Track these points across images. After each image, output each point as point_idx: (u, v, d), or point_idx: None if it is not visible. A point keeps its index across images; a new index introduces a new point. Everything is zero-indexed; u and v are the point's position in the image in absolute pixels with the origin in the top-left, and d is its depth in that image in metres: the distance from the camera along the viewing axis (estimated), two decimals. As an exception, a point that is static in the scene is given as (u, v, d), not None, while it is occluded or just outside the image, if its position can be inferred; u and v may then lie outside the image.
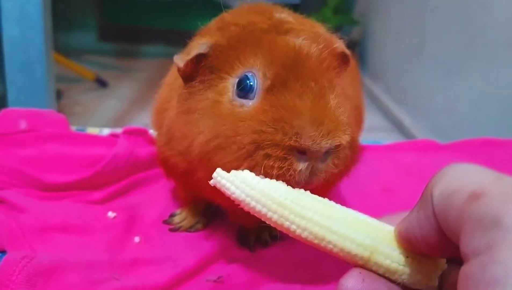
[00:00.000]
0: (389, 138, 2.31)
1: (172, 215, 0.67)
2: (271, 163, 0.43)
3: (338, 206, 0.39)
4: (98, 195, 0.69)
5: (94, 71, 2.92)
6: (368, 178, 0.82)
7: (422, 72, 2.38)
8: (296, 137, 0.43)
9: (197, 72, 0.50)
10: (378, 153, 0.92)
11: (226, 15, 0.54)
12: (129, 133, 0.77)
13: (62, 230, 0.60)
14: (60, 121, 0.86)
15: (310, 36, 0.50)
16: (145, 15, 3.54)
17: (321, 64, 0.48)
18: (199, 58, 0.50)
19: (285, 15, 0.53)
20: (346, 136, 0.45)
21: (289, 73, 0.46)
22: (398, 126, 2.53)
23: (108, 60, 3.48)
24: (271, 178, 0.43)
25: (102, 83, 2.90)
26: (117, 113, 2.52)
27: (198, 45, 0.50)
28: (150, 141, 0.78)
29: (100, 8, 3.63)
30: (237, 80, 0.48)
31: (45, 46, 1.50)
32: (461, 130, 1.92)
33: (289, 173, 0.43)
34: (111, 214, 0.65)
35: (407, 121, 2.46)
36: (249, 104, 0.47)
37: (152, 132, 0.79)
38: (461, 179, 0.33)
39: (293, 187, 0.43)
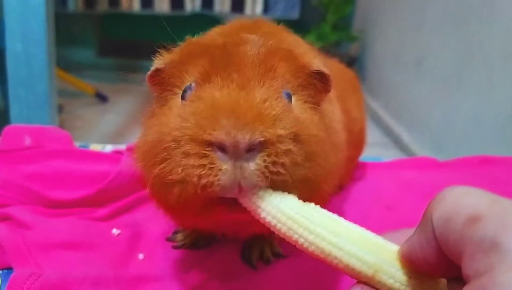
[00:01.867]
0: (388, 153, 2.32)
1: (175, 233, 0.67)
2: (191, 162, 0.40)
3: (347, 223, 0.40)
4: (102, 212, 0.70)
5: (94, 86, 2.94)
6: (369, 195, 0.82)
7: (421, 88, 2.40)
8: (211, 130, 0.39)
9: (156, 89, 0.52)
10: (379, 170, 0.93)
11: (193, 37, 0.54)
12: (132, 150, 0.78)
13: (67, 247, 0.61)
14: (64, 137, 0.87)
15: (264, 45, 0.47)
16: (145, 30, 3.56)
17: (253, 57, 0.45)
18: (157, 74, 0.51)
19: (254, 37, 0.50)
20: (272, 130, 0.40)
21: (214, 68, 0.44)
22: (397, 142, 2.54)
23: (108, 75, 3.50)
24: (191, 180, 0.40)
25: (102, 98, 2.91)
26: (117, 128, 2.53)
27: (156, 61, 0.51)
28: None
29: (100, 23, 3.66)
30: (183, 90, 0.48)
31: (48, 62, 1.51)
32: (460, 146, 1.93)
33: (214, 173, 0.39)
34: (115, 231, 0.66)
35: (405, 136, 2.47)
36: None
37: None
38: (459, 202, 0.34)
39: (225, 194, 0.40)
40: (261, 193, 0.40)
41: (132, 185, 0.74)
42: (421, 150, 2.23)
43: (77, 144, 0.89)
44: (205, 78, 0.44)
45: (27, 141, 0.82)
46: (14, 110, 1.53)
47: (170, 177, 0.41)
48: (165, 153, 0.42)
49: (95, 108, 2.85)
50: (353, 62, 3.24)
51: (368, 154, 0.96)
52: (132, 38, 3.70)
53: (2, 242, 0.59)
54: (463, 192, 0.35)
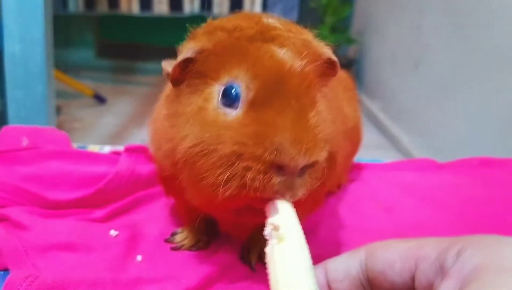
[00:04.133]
0: (386, 155, 2.32)
1: (173, 234, 0.67)
2: (252, 176, 0.45)
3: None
4: (100, 213, 0.69)
5: (93, 88, 2.94)
6: (368, 197, 0.82)
7: (419, 90, 2.40)
8: (276, 153, 0.44)
9: (183, 76, 0.51)
10: (377, 171, 0.93)
11: (214, 21, 0.55)
12: (130, 151, 0.77)
13: (64, 249, 0.60)
14: (62, 138, 0.87)
15: (296, 43, 0.50)
16: (143, 32, 3.57)
17: (303, 80, 0.48)
18: (186, 63, 0.51)
19: (273, 20, 0.53)
20: (323, 152, 0.47)
21: (271, 90, 0.47)
22: (395, 144, 2.55)
23: (106, 77, 3.50)
24: (248, 189, 0.45)
25: (100, 99, 2.91)
26: (115, 129, 2.53)
27: (185, 50, 0.51)
28: (152, 159, 0.78)
29: (98, 25, 3.66)
30: (222, 88, 0.48)
31: (46, 63, 1.51)
32: (458, 148, 1.93)
33: (269, 184, 0.45)
34: (113, 232, 0.65)
35: (404, 138, 2.48)
36: (233, 113, 0.47)
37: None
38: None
39: (272, 197, 0.46)
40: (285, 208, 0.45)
41: (130, 186, 0.74)
42: (419, 152, 2.23)
43: (75, 145, 0.89)
44: (263, 98, 0.47)
45: (25, 142, 0.81)
46: (11, 112, 1.52)
47: (230, 183, 0.46)
48: (223, 161, 0.46)
49: (94, 109, 2.85)
50: (351, 64, 3.25)
51: (366, 156, 0.96)
52: (131, 40, 3.70)
53: (-1, 244, 0.59)
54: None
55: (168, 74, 0.52)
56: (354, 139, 0.82)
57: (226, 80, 0.48)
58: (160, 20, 3.23)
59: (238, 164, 0.45)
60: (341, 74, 0.85)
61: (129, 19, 3.26)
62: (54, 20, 1.65)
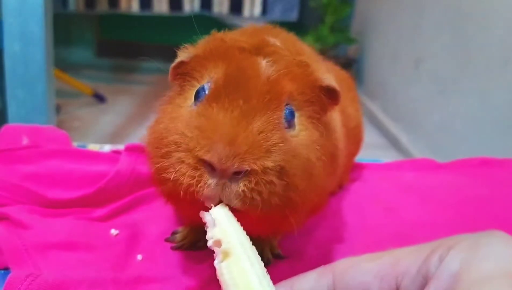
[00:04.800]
0: (385, 155, 2.32)
1: (174, 233, 0.67)
2: (183, 170, 0.44)
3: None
4: (100, 212, 0.69)
5: (92, 86, 2.93)
6: (368, 196, 0.82)
7: (419, 90, 2.40)
8: (205, 150, 0.43)
9: (177, 79, 0.54)
10: (377, 171, 0.93)
11: (218, 32, 0.56)
12: (131, 150, 0.77)
13: (65, 248, 0.60)
14: (62, 137, 0.87)
15: (288, 62, 0.50)
16: (143, 31, 3.56)
17: (264, 86, 0.47)
18: (180, 66, 0.53)
19: (275, 40, 0.53)
20: (261, 162, 0.43)
21: (227, 88, 0.47)
22: (395, 144, 2.55)
23: (106, 76, 3.50)
24: (181, 184, 0.44)
25: (100, 98, 2.91)
26: (115, 128, 2.53)
27: (182, 54, 0.53)
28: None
29: (98, 24, 3.66)
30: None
31: (46, 62, 1.51)
32: (458, 148, 1.93)
33: (199, 185, 0.43)
34: (113, 231, 0.65)
35: (403, 138, 2.48)
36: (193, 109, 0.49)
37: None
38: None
39: (207, 203, 0.44)
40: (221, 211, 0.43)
41: (130, 185, 0.73)
42: (419, 152, 2.23)
43: (75, 144, 0.89)
44: (216, 95, 0.47)
45: (25, 140, 0.81)
46: (11, 110, 1.53)
47: (163, 175, 0.46)
48: (165, 150, 0.46)
49: (93, 108, 2.85)
50: (351, 64, 3.24)
51: (366, 156, 0.96)
52: (130, 39, 3.70)
53: (0, 242, 0.59)
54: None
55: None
56: (356, 139, 0.83)
57: (206, 81, 0.50)
58: (160, 19, 3.23)
59: (174, 155, 0.45)
60: (343, 74, 0.86)
61: (129, 18, 3.26)
62: (54, 18, 1.65)
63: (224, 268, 0.38)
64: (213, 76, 0.49)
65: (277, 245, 0.65)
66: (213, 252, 0.40)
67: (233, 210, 0.44)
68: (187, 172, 0.44)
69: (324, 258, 0.63)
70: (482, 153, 1.03)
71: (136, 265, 0.60)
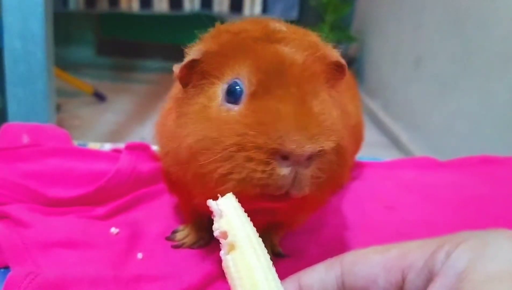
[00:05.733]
0: (386, 154, 2.32)
1: (174, 232, 0.67)
2: (253, 166, 0.44)
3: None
4: (101, 210, 0.69)
5: (92, 85, 2.93)
6: (369, 195, 0.82)
7: (419, 89, 2.40)
8: (280, 141, 0.43)
9: (190, 77, 0.52)
10: (378, 170, 0.92)
11: (221, 25, 0.56)
12: (131, 148, 0.77)
13: (65, 246, 0.60)
14: (62, 136, 0.87)
15: (301, 44, 0.51)
16: (143, 30, 3.56)
17: (305, 71, 0.48)
18: (192, 64, 0.51)
19: (279, 25, 0.54)
20: (330, 142, 0.45)
21: (272, 80, 0.47)
22: (395, 142, 2.54)
23: (106, 74, 3.50)
24: (251, 181, 0.44)
25: (100, 97, 2.91)
26: (115, 127, 2.52)
27: (192, 51, 0.52)
28: (153, 156, 0.78)
29: (98, 23, 3.65)
30: (226, 86, 0.49)
31: (46, 60, 1.51)
32: (458, 146, 1.93)
33: (272, 177, 0.44)
34: (114, 230, 0.65)
35: (404, 137, 2.47)
36: (235, 109, 0.48)
37: (154, 147, 0.79)
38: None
39: (278, 192, 0.44)
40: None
41: (131, 183, 0.73)
42: (419, 151, 2.23)
43: (75, 143, 0.89)
44: (264, 88, 0.47)
45: (25, 139, 0.81)
46: (12, 109, 1.52)
47: (231, 177, 0.45)
48: (224, 154, 0.45)
49: (93, 107, 2.84)
50: (352, 63, 3.24)
51: (366, 154, 0.96)
52: (131, 38, 3.69)
53: (0, 241, 0.59)
54: None
55: (176, 76, 0.53)
56: (356, 137, 0.82)
57: (230, 78, 0.49)
58: (160, 18, 3.22)
59: (239, 155, 0.44)
60: None
61: (129, 17, 3.26)
62: (55, 17, 1.64)
63: (229, 261, 0.38)
64: (240, 71, 0.48)
65: (278, 244, 0.65)
66: (219, 242, 0.39)
67: (290, 196, 0.45)
68: (259, 168, 0.44)
69: (325, 256, 0.63)
70: (483, 151, 1.03)
71: (137, 263, 0.60)
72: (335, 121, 0.48)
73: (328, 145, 0.45)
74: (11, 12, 1.45)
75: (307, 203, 0.51)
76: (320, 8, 3.24)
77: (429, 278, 0.33)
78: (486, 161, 0.96)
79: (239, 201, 0.44)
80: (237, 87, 0.48)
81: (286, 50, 0.49)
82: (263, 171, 0.44)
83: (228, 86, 0.49)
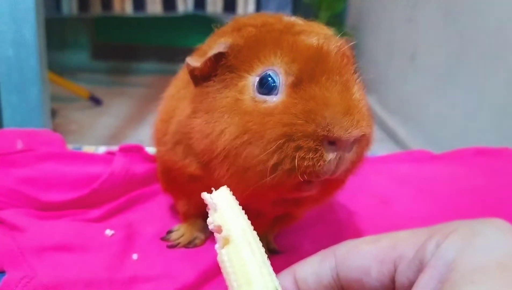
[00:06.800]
0: (383, 148, 2.32)
1: (169, 232, 0.67)
2: (302, 155, 0.44)
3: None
4: (95, 213, 0.69)
5: (88, 89, 2.93)
6: (365, 189, 0.82)
7: (415, 83, 2.40)
8: (329, 127, 0.44)
9: (215, 71, 0.51)
10: (374, 164, 0.93)
11: (240, 18, 0.56)
12: (125, 150, 0.77)
13: (60, 249, 0.60)
14: (56, 140, 0.87)
15: (321, 36, 0.51)
16: (138, 33, 3.56)
17: (342, 58, 0.49)
18: (218, 57, 0.50)
19: (294, 19, 0.55)
20: (369, 127, 0.48)
21: (314, 68, 0.47)
22: (392, 137, 2.54)
23: (101, 78, 3.49)
24: (297, 172, 0.44)
25: (96, 101, 2.91)
26: (112, 131, 2.52)
27: (217, 45, 0.51)
28: (147, 158, 0.78)
29: (93, 27, 3.65)
30: (257, 78, 0.48)
31: (40, 66, 1.50)
32: (454, 139, 1.93)
33: (319, 163, 0.45)
34: (109, 232, 0.65)
35: (400, 131, 2.48)
36: (273, 100, 0.47)
37: (148, 148, 0.79)
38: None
39: (321, 177, 0.46)
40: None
41: (125, 185, 0.74)
42: (415, 144, 2.23)
43: (70, 146, 0.89)
44: (308, 77, 0.47)
45: (19, 144, 0.81)
46: (6, 116, 1.52)
47: (280, 167, 0.45)
48: (271, 146, 0.45)
49: (90, 111, 2.84)
50: (347, 59, 3.23)
51: (363, 149, 0.96)
52: (126, 41, 3.69)
53: (-5, 246, 0.59)
54: None
55: (192, 69, 0.51)
56: None
57: (261, 70, 0.48)
58: (155, 21, 3.22)
59: (288, 145, 0.45)
60: None
61: (124, 20, 3.25)
62: (49, 23, 1.64)
63: (224, 255, 0.38)
64: (273, 63, 0.48)
65: (273, 240, 0.65)
66: (214, 242, 0.39)
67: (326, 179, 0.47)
68: (308, 155, 0.44)
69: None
70: (478, 144, 1.03)
71: (132, 264, 0.60)
72: (369, 107, 0.50)
73: (368, 130, 0.47)
74: (3, 20, 1.45)
75: (338, 187, 0.53)
76: (313, 5, 3.24)
77: (420, 269, 0.33)
78: (481, 153, 0.96)
79: (275, 191, 0.47)
80: (270, 79, 0.48)
81: (314, 40, 0.49)
82: (312, 159, 0.44)
83: (260, 78, 0.48)
